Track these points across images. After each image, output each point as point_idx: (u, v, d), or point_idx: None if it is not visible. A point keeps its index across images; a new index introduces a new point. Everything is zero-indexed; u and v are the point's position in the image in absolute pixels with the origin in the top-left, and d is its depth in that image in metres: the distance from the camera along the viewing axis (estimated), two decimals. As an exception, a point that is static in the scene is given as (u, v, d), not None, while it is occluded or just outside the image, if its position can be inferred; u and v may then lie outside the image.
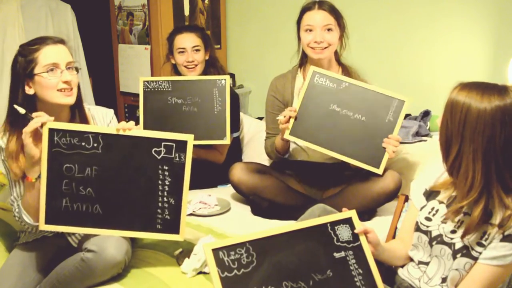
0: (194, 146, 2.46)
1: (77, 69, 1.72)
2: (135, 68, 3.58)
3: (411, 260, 1.56)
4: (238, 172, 2.27)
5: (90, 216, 1.65)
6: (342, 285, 1.39)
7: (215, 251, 1.30)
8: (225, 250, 1.31)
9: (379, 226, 1.92)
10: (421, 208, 1.53)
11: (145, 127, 2.33)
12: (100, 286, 1.65)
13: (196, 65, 2.57)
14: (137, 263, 1.77)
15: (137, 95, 2.48)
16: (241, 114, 2.90)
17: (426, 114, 2.79)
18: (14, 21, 3.07)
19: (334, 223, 1.45)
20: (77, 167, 1.63)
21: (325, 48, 2.19)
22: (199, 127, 2.37)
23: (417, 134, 2.61)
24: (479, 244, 1.37)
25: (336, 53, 2.32)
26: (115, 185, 1.65)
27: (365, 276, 1.42)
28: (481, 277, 1.36)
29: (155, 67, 3.46)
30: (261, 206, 2.24)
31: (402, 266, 1.58)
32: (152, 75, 3.47)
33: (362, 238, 1.46)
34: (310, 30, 2.19)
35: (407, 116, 2.87)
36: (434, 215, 1.48)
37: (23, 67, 1.65)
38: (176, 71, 2.68)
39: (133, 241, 1.87)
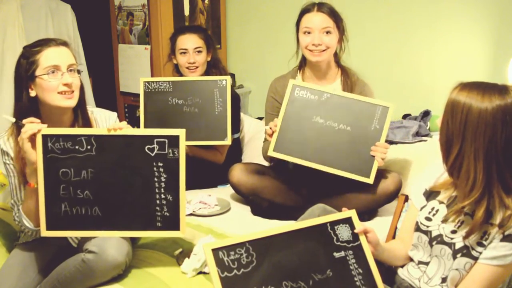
0: (195, 146, 2.50)
1: (79, 72, 1.71)
2: (135, 68, 3.58)
3: (411, 260, 1.56)
4: (237, 173, 2.27)
5: (90, 218, 1.65)
6: (342, 285, 1.39)
7: (215, 251, 1.30)
8: (225, 250, 1.31)
9: (379, 226, 1.92)
10: (421, 208, 1.53)
11: (146, 128, 2.33)
12: (100, 286, 1.64)
13: (198, 67, 2.56)
14: (137, 263, 1.77)
15: (137, 95, 2.48)
16: (241, 114, 2.90)
17: (426, 114, 2.79)
18: (14, 21, 3.07)
19: (334, 223, 1.45)
20: (72, 171, 1.62)
21: (323, 50, 2.18)
22: (200, 127, 2.37)
23: (417, 134, 2.61)
24: (479, 244, 1.37)
25: (335, 55, 2.31)
26: (112, 186, 1.65)
27: (365, 276, 1.42)
28: (481, 277, 1.36)
29: (155, 67, 3.46)
30: (261, 206, 2.24)
31: (402, 266, 1.58)
32: (152, 75, 3.47)
33: (362, 238, 1.46)
34: (309, 33, 2.18)
35: (407, 116, 2.88)
36: (434, 215, 1.48)
37: (25, 69, 1.64)
38: (178, 71, 2.67)
39: (132, 241, 1.86)
